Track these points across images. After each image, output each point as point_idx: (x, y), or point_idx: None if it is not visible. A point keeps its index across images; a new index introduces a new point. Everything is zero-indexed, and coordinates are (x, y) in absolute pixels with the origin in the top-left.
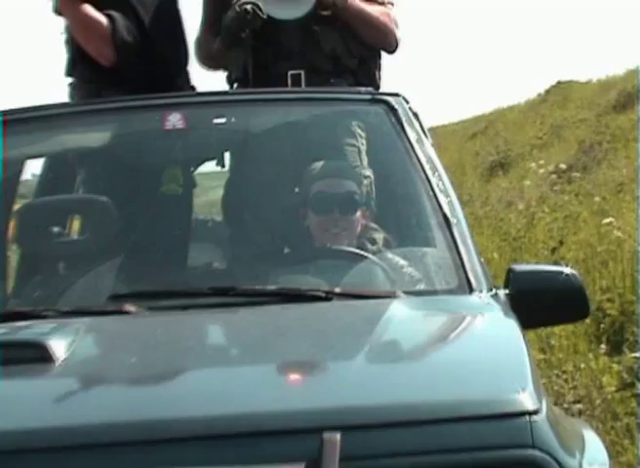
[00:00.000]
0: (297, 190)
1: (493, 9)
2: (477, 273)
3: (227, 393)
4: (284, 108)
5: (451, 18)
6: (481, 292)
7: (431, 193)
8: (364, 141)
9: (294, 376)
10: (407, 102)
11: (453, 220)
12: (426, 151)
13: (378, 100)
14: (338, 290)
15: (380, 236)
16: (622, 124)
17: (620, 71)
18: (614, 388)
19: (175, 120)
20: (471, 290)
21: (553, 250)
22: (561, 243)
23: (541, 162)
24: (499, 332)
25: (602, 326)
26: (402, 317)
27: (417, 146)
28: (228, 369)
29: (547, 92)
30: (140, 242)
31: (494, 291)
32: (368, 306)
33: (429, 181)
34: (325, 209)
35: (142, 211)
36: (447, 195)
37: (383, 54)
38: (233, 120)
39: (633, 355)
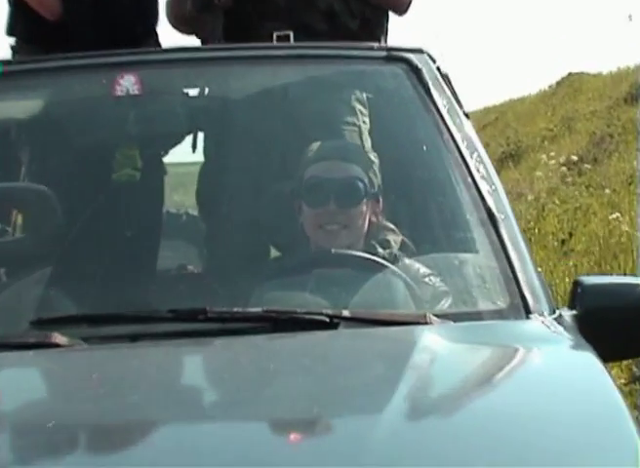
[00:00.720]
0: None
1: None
2: (535, 288)
3: None
4: (272, 69)
5: (458, 7)
6: (542, 314)
7: (469, 180)
8: (366, 119)
9: (288, 446)
10: (433, 61)
11: (499, 216)
12: (461, 124)
13: (396, 58)
14: (346, 312)
15: (395, 238)
16: (634, 116)
17: (632, 64)
18: (623, 381)
19: (128, 84)
20: (528, 311)
21: (563, 241)
22: (570, 235)
23: (552, 154)
24: (580, 378)
25: None
26: (439, 353)
27: (448, 118)
28: (193, 431)
29: (558, 83)
30: (79, 244)
31: (557, 312)
32: (389, 337)
33: (466, 164)
34: (319, 199)
35: (86, 203)
36: (490, 182)
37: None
38: (207, 91)
39: None
